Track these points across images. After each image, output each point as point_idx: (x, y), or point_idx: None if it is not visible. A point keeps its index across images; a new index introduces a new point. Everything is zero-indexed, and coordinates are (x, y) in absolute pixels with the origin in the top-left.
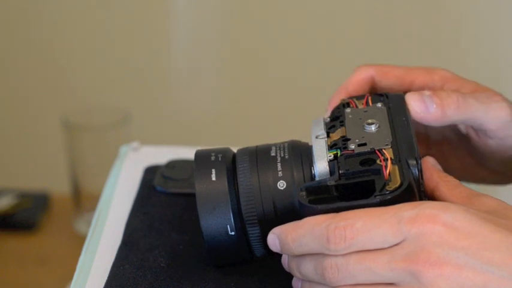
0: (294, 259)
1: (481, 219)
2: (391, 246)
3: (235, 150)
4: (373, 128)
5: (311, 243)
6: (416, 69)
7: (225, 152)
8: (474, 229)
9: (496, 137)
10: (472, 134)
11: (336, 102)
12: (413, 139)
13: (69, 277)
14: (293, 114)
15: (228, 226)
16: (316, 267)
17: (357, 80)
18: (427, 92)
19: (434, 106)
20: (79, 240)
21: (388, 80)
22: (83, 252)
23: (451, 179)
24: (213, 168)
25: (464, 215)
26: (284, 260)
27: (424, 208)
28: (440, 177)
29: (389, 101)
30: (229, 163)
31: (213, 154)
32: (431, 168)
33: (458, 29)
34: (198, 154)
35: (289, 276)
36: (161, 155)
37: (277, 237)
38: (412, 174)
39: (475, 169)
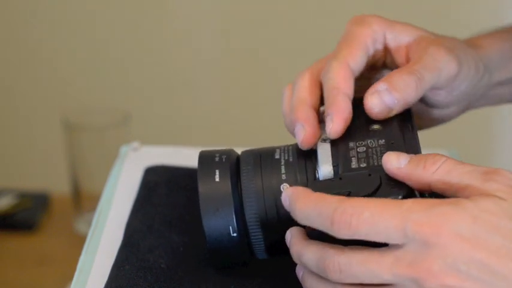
0: (297, 244)
1: (488, 231)
2: (395, 250)
3: (237, 150)
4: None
5: (316, 220)
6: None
7: (229, 153)
8: (480, 241)
9: (446, 88)
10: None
11: (297, 115)
12: (417, 144)
13: (69, 277)
14: None
15: (231, 227)
16: (319, 262)
17: (302, 88)
18: (382, 86)
19: (396, 101)
20: (79, 241)
21: None
22: (83, 253)
23: (432, 167)
24: (217, 169)
25: (471, 227)
26: (287, 239)
27: (432, 215)
28: (425, 178)
29: None
30: (233, 165)
31: (217, 155)
32: (407, 177)
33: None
34: (202, 155)
35: (289, 279)
36: (161, 155)
37: (288, 198)
38: None
39: (423, 115)
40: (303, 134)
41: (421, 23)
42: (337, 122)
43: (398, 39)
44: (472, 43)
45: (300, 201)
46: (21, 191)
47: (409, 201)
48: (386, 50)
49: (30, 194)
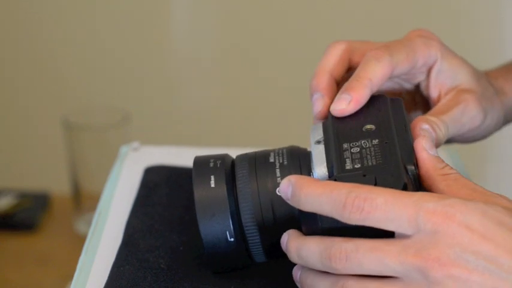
0: (296, 241)
1: (496, 224)
2: (403, 239)
3: (234, 152)
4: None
5: (325, 206)
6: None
7: (223, 158)
8: (488, 233)
9: (466, 135)
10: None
11: (319, 83)
12: (411, 145)
13: (69, 277)
14: (292, 113)
15: (227, 232)
16: (323, 252)
17: (333, 57)
18: (426, 126)
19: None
20: (79, 240)
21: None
22: (83, 253)
23: (448, 171)
24: (212, 174)
25: (480, 219)
26: (283, 241)
27: (444, 205)
28: (437, 172)
29: (391, 105)
30: (228, 169)
31: (211, 160)
32: (427, 162)
33: (457, 29)
34: (197, 160)
35: (288, 280)
36: (161, 155)
37: (291, 186)
38: (410, 178)
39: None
40: (322, 105)
41: (422, 24)
42: (351, 107)
43: (442, 73)
44: (499, 87)
45: (308, 187)
46: (21, 191)
47: (419, 193)
48: (426, 72)
49: (30, 194)
